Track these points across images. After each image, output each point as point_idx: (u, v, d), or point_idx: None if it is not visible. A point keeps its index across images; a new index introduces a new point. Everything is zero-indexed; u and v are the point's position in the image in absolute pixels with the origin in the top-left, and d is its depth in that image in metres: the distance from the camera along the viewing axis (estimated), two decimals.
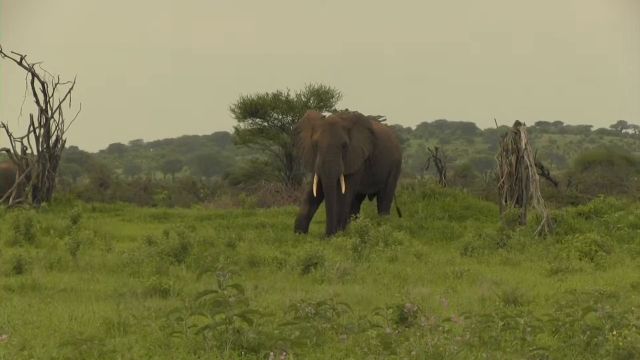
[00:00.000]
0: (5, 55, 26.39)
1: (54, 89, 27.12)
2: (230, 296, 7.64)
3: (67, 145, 28.78)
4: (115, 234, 20.20)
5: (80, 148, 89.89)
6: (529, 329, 8.00)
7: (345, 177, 21.31)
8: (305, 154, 21.88)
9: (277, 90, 39.14)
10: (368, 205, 24.05)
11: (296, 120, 37.61)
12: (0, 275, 13.27)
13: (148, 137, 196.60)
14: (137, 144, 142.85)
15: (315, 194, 21.13)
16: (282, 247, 17.45)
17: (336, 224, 20.80)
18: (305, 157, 22.07)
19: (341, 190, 21.06)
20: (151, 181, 46.99)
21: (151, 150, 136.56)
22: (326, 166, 21.00)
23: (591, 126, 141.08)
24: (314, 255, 14.17)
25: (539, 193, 20.67)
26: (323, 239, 19.44)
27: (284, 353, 6.87)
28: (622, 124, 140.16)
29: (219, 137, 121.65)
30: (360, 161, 21.69)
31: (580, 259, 16.07)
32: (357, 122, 22.01)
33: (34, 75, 26.86)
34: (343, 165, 21.16)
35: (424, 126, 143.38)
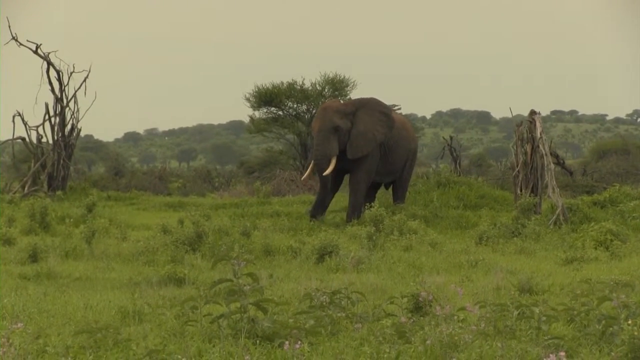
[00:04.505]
0: (20, 44, 26.48)
1: (69, 77, 27.24)
2: (245, 285, 7.64)
3: (82, 134, 29.00)
4: (131, 222, 20.24)
5: (96, 137, 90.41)
6: (544, 318, 7.97)
7: (358, 164, 21.29)
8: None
9: (292, 79, 39.19)
10: (383, 195, 24.02)
11: (311, 109, 37.74)
12: (15, 263, 13.32)
13: (163, 126, 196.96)
14: (152, 133, 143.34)
15: (303, 176, 21.47)
16: (296, 236, 17.42)
17: (320, 206, 21.02)
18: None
19: (328, 168, 20.91)
20: (166, 170, 47.08)
21: (166, 139, 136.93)
22: (315, 149, 21.30)
23: (606, 115, 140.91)
24: (329, 244, 14.16)
25: (554, 182, 20.60)
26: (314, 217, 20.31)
27: (299, 342, 6.85)
28: (637, 113, 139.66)
29: (234, 126, 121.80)
30: (371, 145, 21.47)
31: (596, 248, 16.00)
32: (365, 106, 21.79)
33: (49, 64, 26.93)
34: (349, 150, 21.15)
35: (438, 115, 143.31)
